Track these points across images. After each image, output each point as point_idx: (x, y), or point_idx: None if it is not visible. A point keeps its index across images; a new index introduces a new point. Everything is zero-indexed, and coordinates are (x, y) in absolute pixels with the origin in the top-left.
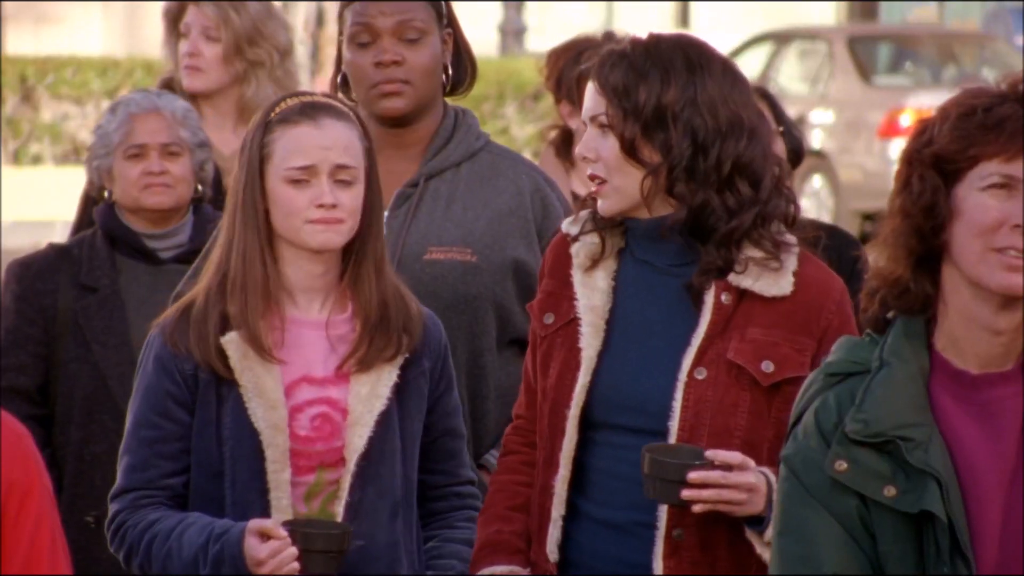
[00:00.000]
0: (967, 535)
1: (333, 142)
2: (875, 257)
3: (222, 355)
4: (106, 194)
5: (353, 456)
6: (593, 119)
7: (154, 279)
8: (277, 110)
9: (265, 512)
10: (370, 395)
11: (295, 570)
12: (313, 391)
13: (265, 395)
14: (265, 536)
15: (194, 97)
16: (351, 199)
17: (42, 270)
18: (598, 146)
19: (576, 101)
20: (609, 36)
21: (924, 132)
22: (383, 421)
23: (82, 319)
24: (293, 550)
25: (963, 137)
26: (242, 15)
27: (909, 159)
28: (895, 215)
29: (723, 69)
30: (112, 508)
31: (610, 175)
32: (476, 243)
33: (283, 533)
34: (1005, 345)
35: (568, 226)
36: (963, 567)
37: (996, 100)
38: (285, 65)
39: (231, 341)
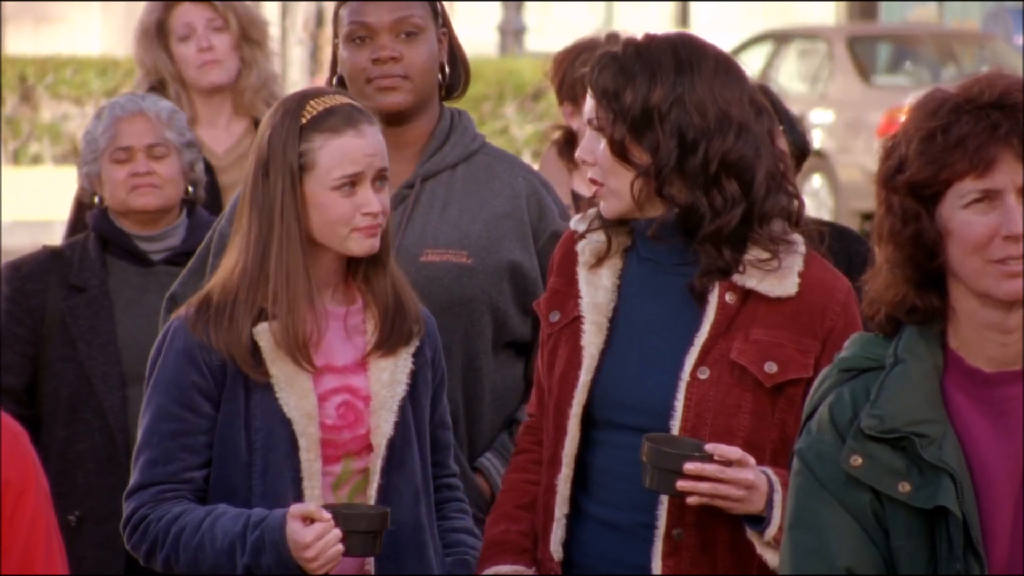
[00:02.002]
0: (979, 531)
1: (375, 148)
2: (873, 284)
3: (253, 346)
4: (96, 199)
5: (382, 441)
6: (589, 122)
7: (144, 280)
8: (307, 115)
9: (298, 502)
10: (391, 380)
11: (340, 552)
12: (336, 380)
13: (296, 384)
14: (308, 520)
15: (189, 96)
16: (386, 202)
17: (32, 271)
18: (595, 149)
19: (576, 102)
20: (613, 37)
21: (892, 154)
22: (403, 406)
23: (69, 318)
24: (337, 532)
25: (930, 163)
26: (238, 8)
27: (884, 183)
28: (886, 243)
29: (715, 67)
30: (130, 505)
31: (605, 178)
32: (472, 245)
33: (327, 516)
34: (1016, 343)
35: (576, 223)
36: (975, 564)
37: (952, 117)
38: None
39: (263, 332)
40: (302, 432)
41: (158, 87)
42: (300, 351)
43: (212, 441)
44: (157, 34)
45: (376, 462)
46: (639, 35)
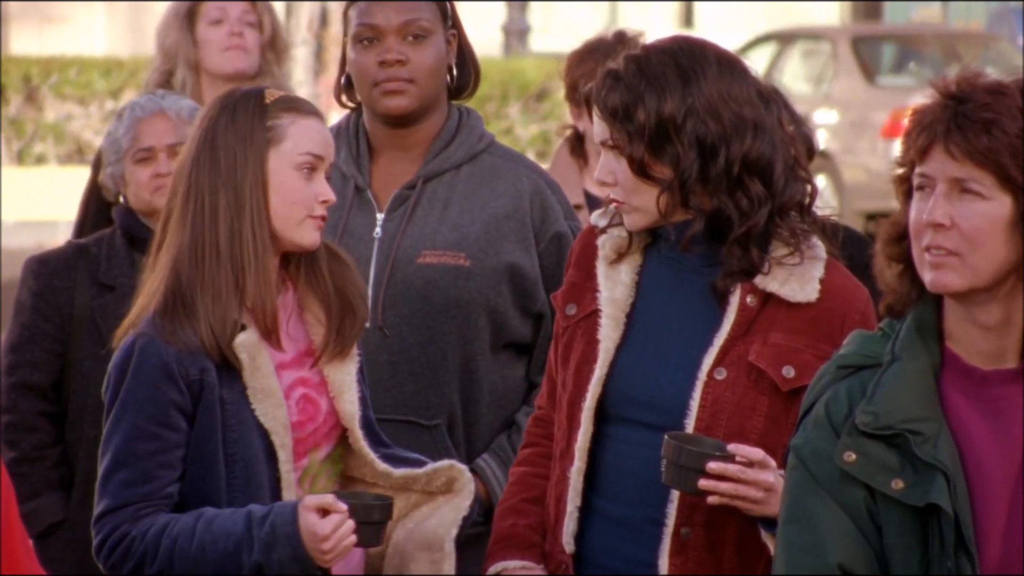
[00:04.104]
0: (972, 530)
1: (332, 140)
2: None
3: (234, 356)
4: (121, 199)
5: (354, 422)
6: (604, 143)
7: None
8: (270, 98)
9: None
10: (343, 361)
11: (353, 543)
12: (289, 375)
13: (273, 395)
14: (323, 512)
15: (198, 85)
16: None
17: (60, 267)
18: (614, 169)
19: (579, 104)
20: (620, 36)
21: None
22: (360, 380)
23: (99, 317)
24: (351, 523)
25: (902, 144)
26: (274, 15)
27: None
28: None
29: (719, 68)
30: (105, 527)
31: (628, 196)
32: (470, 247)
33: (343, 507)
34: (1000, 339)
35: (597, 218)
36: (966, 562)
37: (923, 106)
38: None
39: (243, 344)
40: (281, 444)
41: (170, 76)
42: (275, 337)
43: (187, 454)
44: (186, 16)
45: (360, 443)
46: (645, 34)
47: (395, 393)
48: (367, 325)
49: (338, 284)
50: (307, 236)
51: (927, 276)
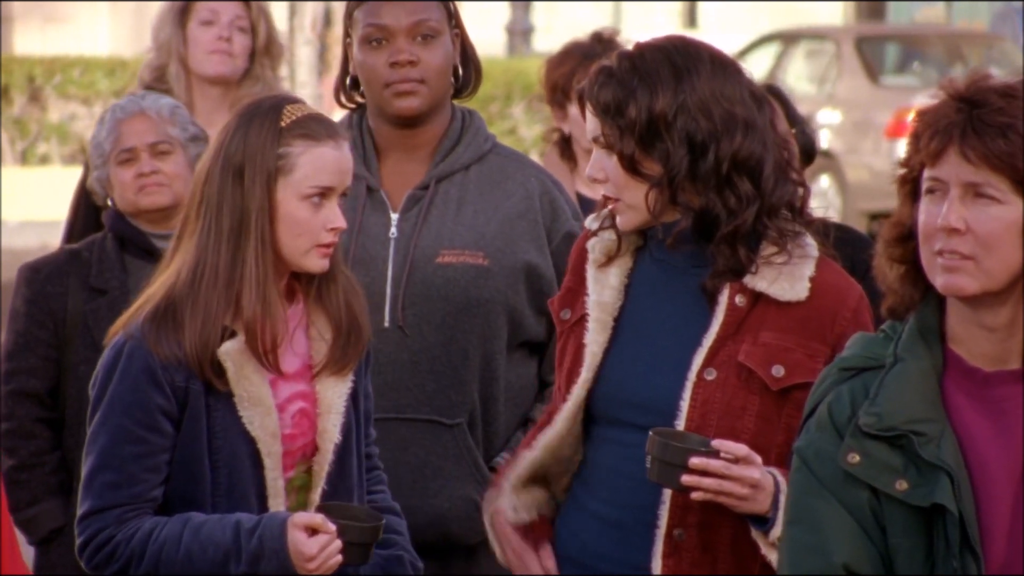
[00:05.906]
0: (977, 530)
1: (348, 165)
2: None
3: (216, 365)
4: (109, 202)
5: (330, 445)
6: (596, 140)
7: None
8: (287, 119)
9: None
10: (337, 381)
11: (339, 563)
12: (288, 388)
13: (262, 403)
14: (311, 530)
15: (188, 81)
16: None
17: (52, 273)
18: (605, 166)
19: (562, 106)
20: (597, 36)
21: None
22: (348, 406)
23: (92, 322)
24: (339, 543)
25: (910, 146)
26: (269, 20)
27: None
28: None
29: (712, 68)
30: (89, 528)
31: (620, 193)
32: (488, 247)
33: (331, 527)
34: (1004, 341)
35: (590, 222)
36: (972, 562)
37: (932, 108)
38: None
39: (227, 352)
40: (268, 452)
41: (162, 72)
42: (269, 359)
43: (172, 458)
44: (180, 13)
45: (323, 467)
46: (620, 32)
47: (416, 392)
48: (386, 324)
49: (349, 303)
50: (313, 264)
51: (939, 280)
